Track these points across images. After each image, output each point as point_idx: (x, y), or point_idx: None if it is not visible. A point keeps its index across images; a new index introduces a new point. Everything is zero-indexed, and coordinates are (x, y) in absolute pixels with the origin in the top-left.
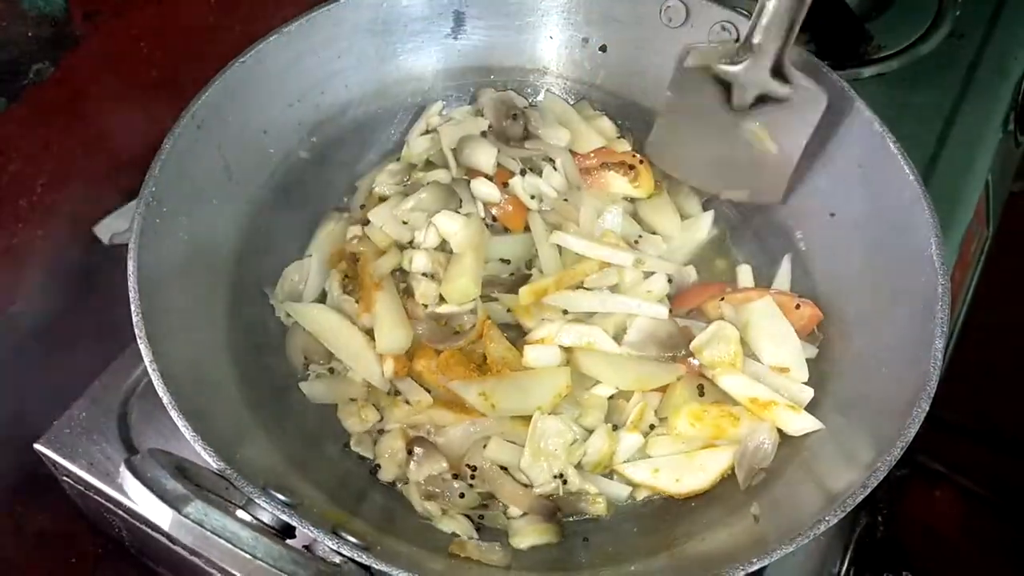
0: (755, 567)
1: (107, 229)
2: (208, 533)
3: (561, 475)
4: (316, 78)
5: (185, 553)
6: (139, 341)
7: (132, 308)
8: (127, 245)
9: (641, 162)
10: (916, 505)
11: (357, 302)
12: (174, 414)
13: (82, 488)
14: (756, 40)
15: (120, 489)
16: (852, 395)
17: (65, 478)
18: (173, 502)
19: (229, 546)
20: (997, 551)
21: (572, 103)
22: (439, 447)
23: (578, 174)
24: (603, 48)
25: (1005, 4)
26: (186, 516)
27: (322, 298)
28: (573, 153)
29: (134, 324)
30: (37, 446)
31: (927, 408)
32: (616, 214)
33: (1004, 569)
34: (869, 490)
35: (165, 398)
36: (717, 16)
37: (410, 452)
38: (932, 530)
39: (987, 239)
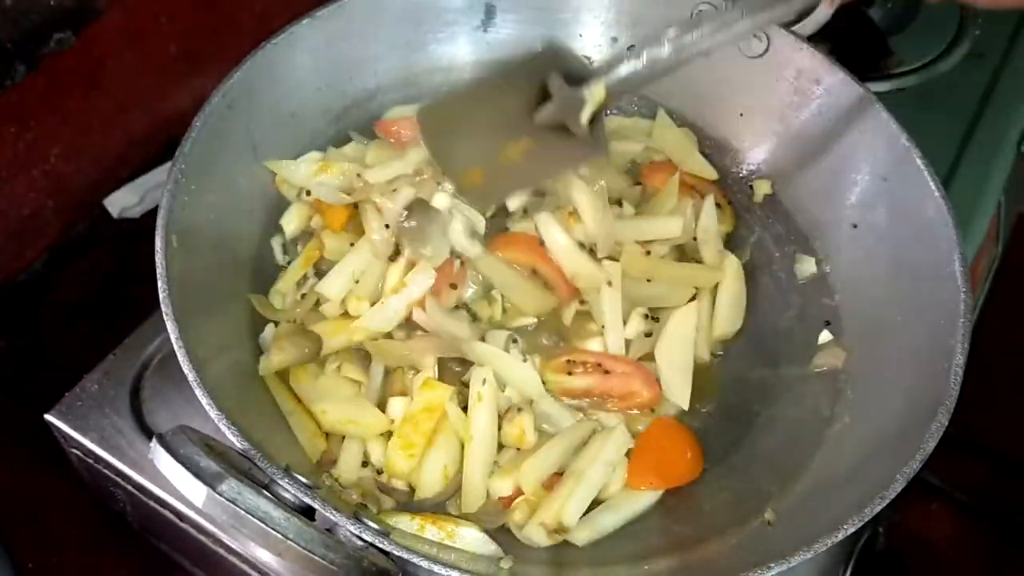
0: (772, 572)
1: (117, 203)
2: (242, 512)
3: None
4: (346, 64)
5: (191, 530)
6: (166, 318)
7: (159, 284)
8: (137, 219)
9: (730, 203)
10: (914, 519)
11: None
12: (199, 392)
13: (91, 461)
14: (608, 78)
15: (130, 463)
16: (871, 406)
17: (74, 450)
18: (208, 479)
19: (261, 525)
20: (992, 568)
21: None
22: None
23: None
24: (631, 48)
25: None
26: (220, 494)
27: None
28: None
29: (160, 300)
30: (48, 417)
31: (946, 422)
32: None
33: None
34: (887, 500)
35: (191, 375)
36: None
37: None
38: (929, 544)
39: (996, 258)
